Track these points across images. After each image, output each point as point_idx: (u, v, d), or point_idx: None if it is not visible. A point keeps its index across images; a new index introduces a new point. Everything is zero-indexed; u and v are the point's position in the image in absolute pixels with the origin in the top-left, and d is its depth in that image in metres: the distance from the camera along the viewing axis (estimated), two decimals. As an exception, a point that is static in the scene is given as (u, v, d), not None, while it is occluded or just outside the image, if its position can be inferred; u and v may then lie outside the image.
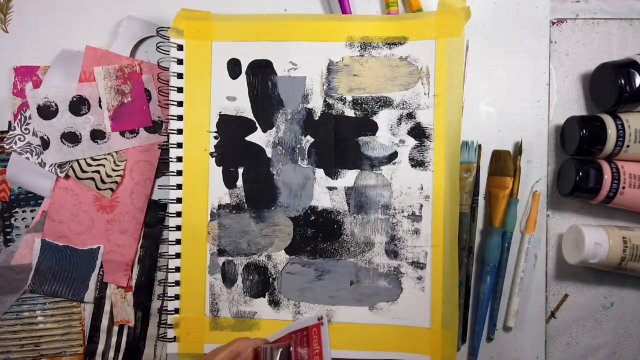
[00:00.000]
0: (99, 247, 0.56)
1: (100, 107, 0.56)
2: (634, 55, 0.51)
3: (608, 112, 0.51)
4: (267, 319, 0.54)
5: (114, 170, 0.56)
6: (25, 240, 0.56)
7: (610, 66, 0.50)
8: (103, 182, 0.56)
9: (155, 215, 0.56)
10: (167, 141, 0.54)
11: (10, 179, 0.56)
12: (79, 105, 0.56)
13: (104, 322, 0.56)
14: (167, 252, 0.54)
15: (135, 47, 0.57)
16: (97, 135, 0.56)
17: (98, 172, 0.56)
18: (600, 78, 0.52)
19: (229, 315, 0.54)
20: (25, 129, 0.56)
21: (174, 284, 0.54)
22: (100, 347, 0.56)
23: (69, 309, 0.56)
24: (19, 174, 0.56)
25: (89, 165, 0.56)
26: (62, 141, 0.55)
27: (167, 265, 0.54)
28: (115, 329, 0.56)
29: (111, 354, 0.56)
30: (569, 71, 0.55)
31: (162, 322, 0.54)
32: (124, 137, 0.56)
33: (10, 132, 0.56)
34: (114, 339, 0.56)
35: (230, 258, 0.54)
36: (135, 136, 0.56)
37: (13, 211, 0.57)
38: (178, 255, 0.54)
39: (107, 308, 0.56)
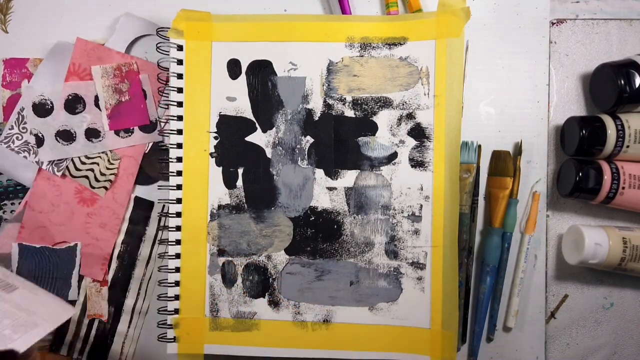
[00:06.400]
0: (76, 245, 0.56)
1: (96, 105, 0.56)
2: (634, 55, 0.51)
3: (608, 113, 0.51)
4: (267, 320, 0.54)
5: (108, 168, 0.56)
6: (7, 230, 0.56)
7: (610, 66, 0.50)
8: (97, 180, 0.56)
9: (140, 213, 0.56)
10: (163, 141, 0.54)
11: None
12: (74, 104, 0.56)
13: (76, 312, 0.56)
14: (167, 252, 0.54)
15: (131, 45, 0.57)
16: (92, 134, 0.56)
17: (92, 170, 0.56)
18: (600, 78, 0.52)
19: (229, 316, 0.54)
20: (23, 127, 0.56)
21: (173, 285, 0.54)
22: (69, 337, 0.56)
23: None
24: (3, 163, 0.56)
25: (83, 163, 0.56)
26: (56, 139, 0.55)
27: (167, 266, 0.54)
28: (86, 321, 0.56)
29: (78, 345, 0.56)
30: (568, 71, 0.55)
31: (162, 322, 0.54)
32: (119, 136, 0.56)
33: (8, 131, 0.56)
34: (83, 331, 0.56)
35: (230, 258, 0.54)
36: (129, 135, 0.56)
37: (2, 203, 0.57)
38: (178, 256, 0.54)
39: (80, 299, 0.56)
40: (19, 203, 0.57)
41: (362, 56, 0.53)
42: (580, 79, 0.55)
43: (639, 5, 0.55)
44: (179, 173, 0.54)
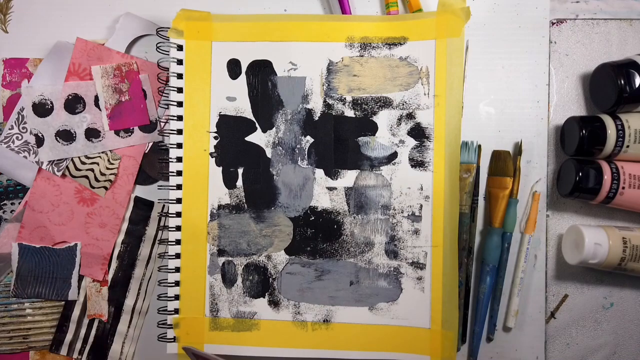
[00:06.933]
0: (76, 245, 0.56)
1: (96, 105, 0.56)
2: (634, 55, 0.51)
3: (608, 113, 0.51)
4: (266, 319, 0.54)
5: (108, 168, 0.56)
6: (7, 230, 0.56)
7: (610, 66, 0.50)
8: (97, 180, 0.56)
9: (141, 213, 0.56)
10: (163, 141, 0.54)
11: None
12: (74, 104, 0.56)
13: (76, 312, 0.56)
14: (167, 252, 0.54)
15: (131, 45, 0.57)
16: (92, 134, 0.56)
17: (92, 170, 0.56)
18: (600, 78, 0.52)
19: (229, 316, 0.54)
20: (23, 127, 0.56)
21: (173, 284, 0.54)
22: (69, 337, 0.56)
23: (57, 302, 0.57)
24: (3, 163, 0.56)
25: (83, 163, 0.56)
26: (56, 139, 0.55)
27: (167, 266, 0.54)
28: (86, 321, 0.56)
29: (78, 345, 0.56)
30: (568, 71, 0.55)
31: (162, 322, 0.54)
32: (119, 136, 0.56)
33: (8, 131, 0.56)
34: (83, 331, 0.56)
35: (230, 258, 0.54)
36: (129, 135, 0.56)
37: (2, 203, 0.57)
38: (178, 256, 0.54)
39: (80, 299, 0.57)
40: (19, 203, 0.57)
41: (362, 56, 0.53)
42: (580, 79, 0.55)
43: (639, 5, 0.55)
44: (179, 173, 0.54)
